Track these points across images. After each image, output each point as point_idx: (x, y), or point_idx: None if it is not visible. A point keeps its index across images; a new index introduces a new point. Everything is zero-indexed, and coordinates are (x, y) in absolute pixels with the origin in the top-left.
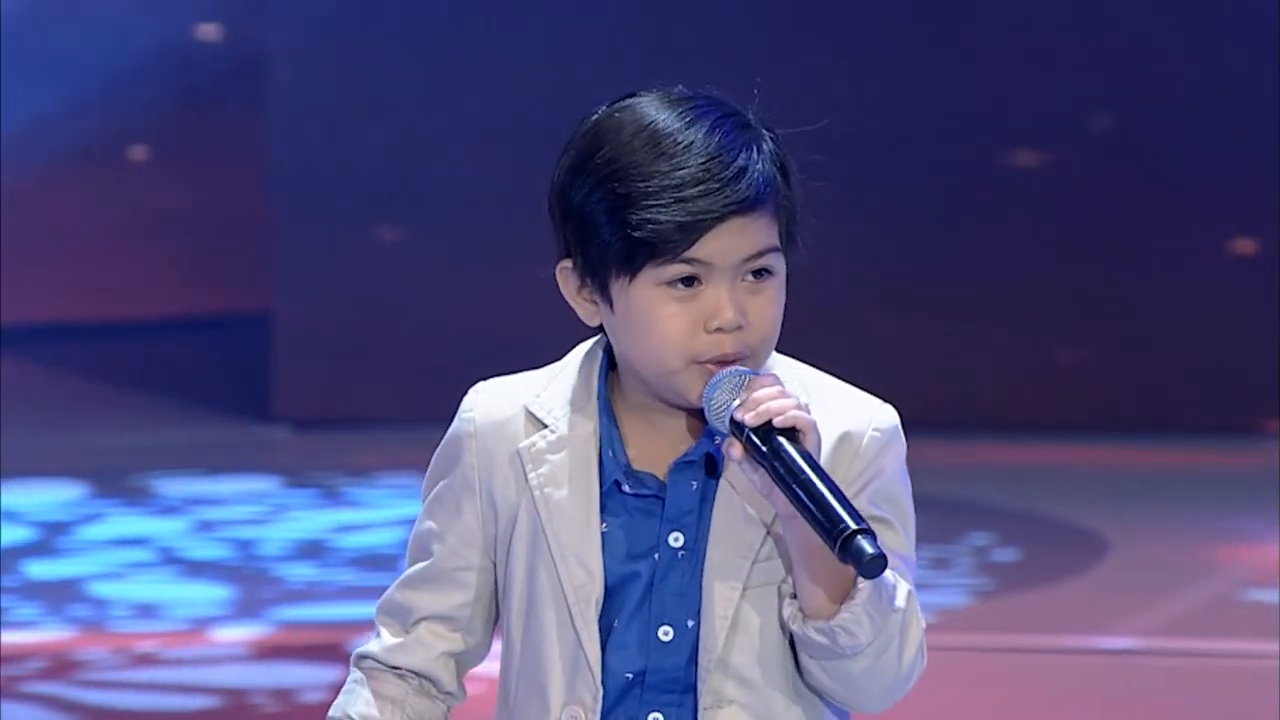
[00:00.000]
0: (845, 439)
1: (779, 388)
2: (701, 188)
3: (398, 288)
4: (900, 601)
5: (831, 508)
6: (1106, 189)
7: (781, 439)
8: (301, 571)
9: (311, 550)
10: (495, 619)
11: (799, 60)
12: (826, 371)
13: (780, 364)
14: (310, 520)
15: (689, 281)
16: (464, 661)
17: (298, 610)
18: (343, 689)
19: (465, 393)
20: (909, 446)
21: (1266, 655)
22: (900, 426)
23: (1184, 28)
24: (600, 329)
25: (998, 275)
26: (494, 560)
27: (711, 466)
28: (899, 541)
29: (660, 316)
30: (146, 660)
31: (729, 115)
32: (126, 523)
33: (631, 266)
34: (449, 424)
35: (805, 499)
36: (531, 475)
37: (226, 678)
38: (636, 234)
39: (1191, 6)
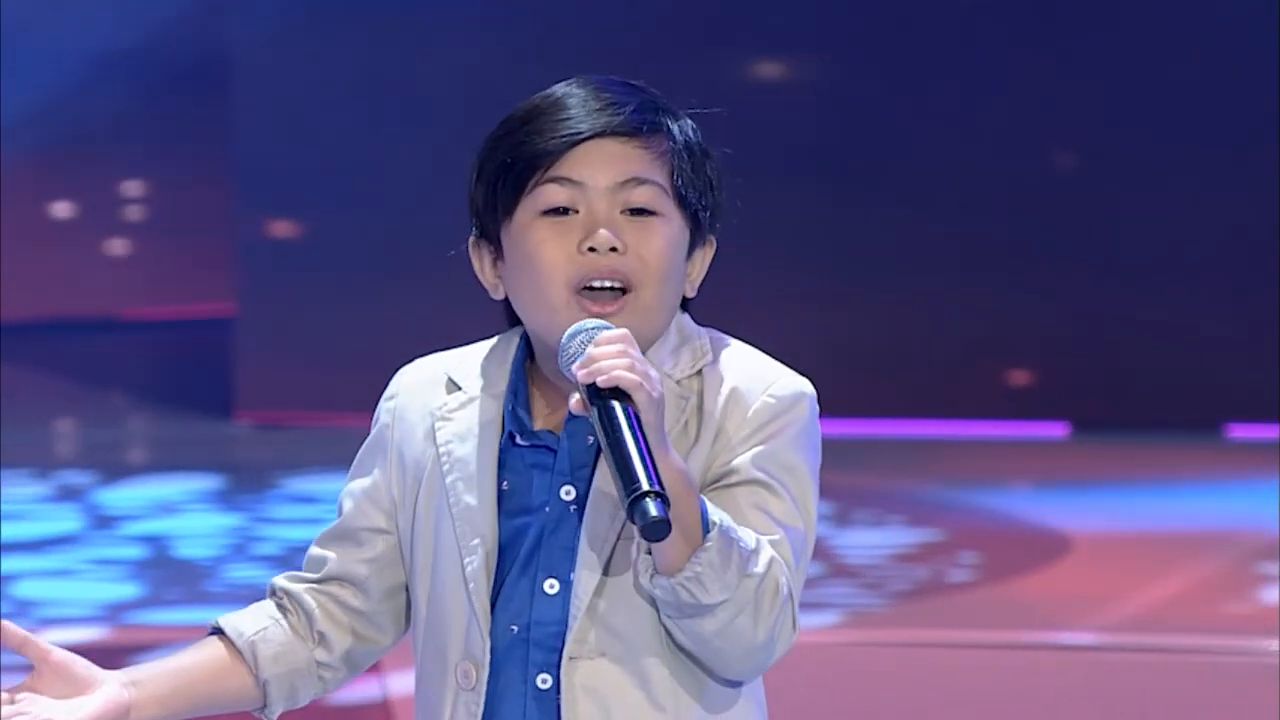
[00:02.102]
0: (734, 397)
1: (620, 346)
2: (572, 112)
3: (363, 286)
4: (758, 567)
5: (632, 466)
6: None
7: (612, 398)
8: (240, 573)
9: (264, 550)
10: (404, 606)
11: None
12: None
13: (699, 332)
14: (269, 520)
15: (563, 211)
16: (360, 633)
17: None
18: None
19: None
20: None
21: (1225, 651)
22: (810, 399)
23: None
24: (510, 310)
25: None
26: (398, 525)
27: None
28: (784, 510)
29: (535, 243)
30: None
31: (627, 82)
32: (80, 517)
33: (508, 195)
34: None
35: (613, 455)
36: (440, 432)
37: None
38: (509, 158)
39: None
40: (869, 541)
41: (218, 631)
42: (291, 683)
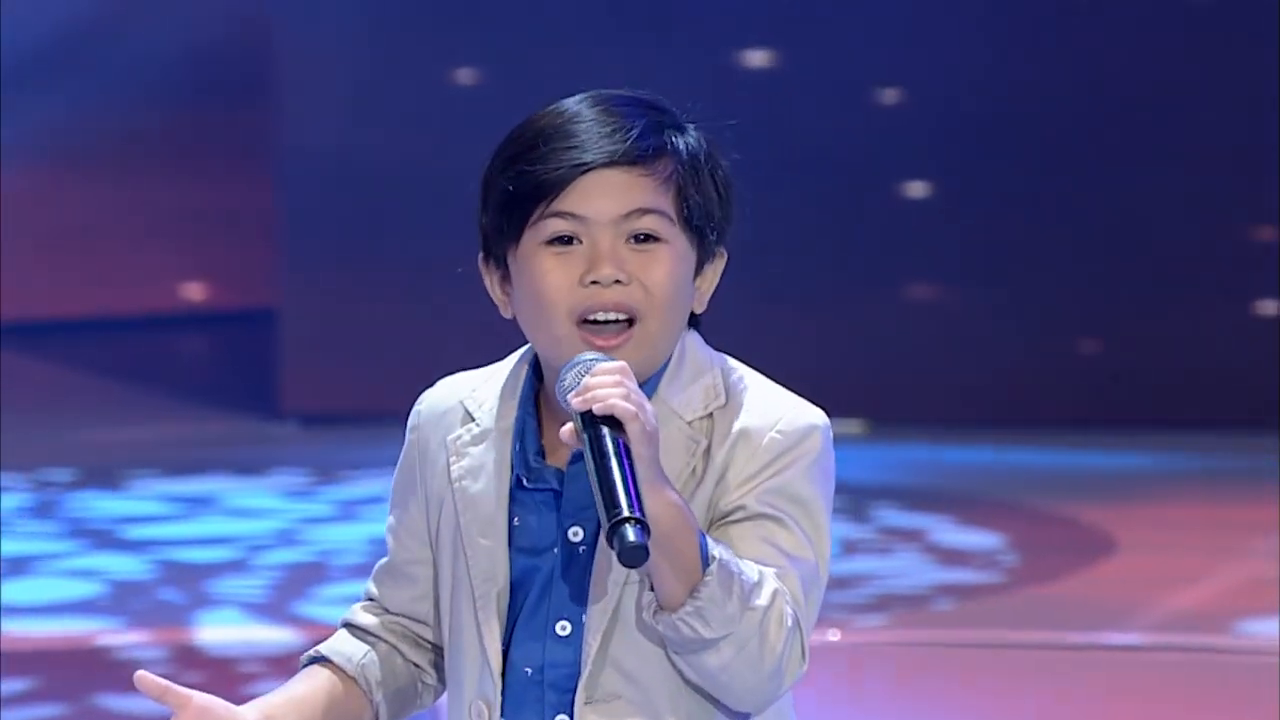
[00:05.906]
0: (743, 436)
1: (617, 377)
2: (576, 141)
3: (405, 284)
4: (761, 600)
5: (615, 491)
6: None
7: (603, 426)
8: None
9: (290, 553)
10: None
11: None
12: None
13: (710, 362)
14: (312, 522)
15: (568, 240)
16: (438, 660)
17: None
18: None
19: None
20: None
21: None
22: (821, 430)
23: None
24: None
25: (1023, 271)
26: (432, 553)
27: None
28: (793, 543)
29: (539, 273)
30: None
31: (635, 98)
32: (114, 517)
33: (513, 225)
34: None
35: (599, 481)
36: (454, 467)
37: None
38: (512, 187)
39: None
40: (912, 541)
41: (319, 660)
42: (401, 702)
